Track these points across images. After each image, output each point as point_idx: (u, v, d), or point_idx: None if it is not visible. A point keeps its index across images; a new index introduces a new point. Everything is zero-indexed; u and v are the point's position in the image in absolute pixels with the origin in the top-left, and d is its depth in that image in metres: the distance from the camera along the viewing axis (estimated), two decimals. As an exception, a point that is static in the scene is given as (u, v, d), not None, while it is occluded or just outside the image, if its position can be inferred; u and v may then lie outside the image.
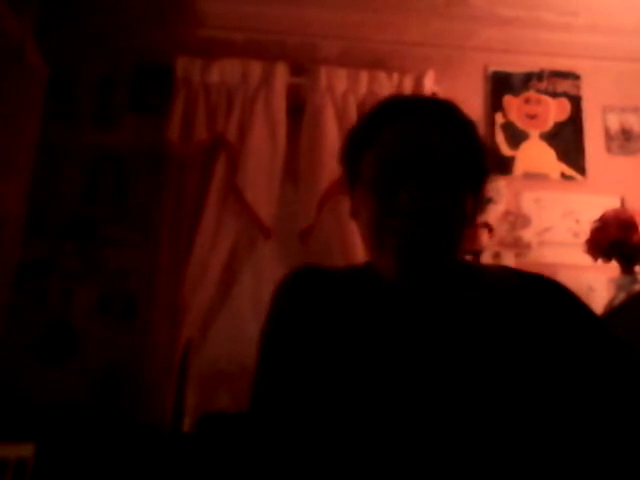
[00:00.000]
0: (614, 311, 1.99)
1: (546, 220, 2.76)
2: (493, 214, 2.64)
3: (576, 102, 2.93)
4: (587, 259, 2.31)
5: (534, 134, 2.88)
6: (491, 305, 0.89)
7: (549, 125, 2.90)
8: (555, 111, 2.92)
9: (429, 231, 0.85)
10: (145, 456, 2.22)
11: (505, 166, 2.80)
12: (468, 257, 2.40)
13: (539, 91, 2.94)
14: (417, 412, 0.81)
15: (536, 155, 2.86)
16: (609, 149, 2.90)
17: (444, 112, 0.92)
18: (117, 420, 2.35)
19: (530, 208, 2.77)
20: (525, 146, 2.86)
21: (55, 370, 2.47)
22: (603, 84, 2.95)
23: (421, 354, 0.85)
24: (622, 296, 2.18)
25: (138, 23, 2.80)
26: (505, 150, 2.83)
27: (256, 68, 2.72)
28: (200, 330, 2.56)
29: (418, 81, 2.72)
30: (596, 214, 2.33)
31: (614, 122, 2.92)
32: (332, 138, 2.62)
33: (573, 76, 2.96)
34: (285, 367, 0.90)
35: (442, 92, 2.63)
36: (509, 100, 2.91)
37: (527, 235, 2.73)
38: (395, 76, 2.74)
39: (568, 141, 2.88)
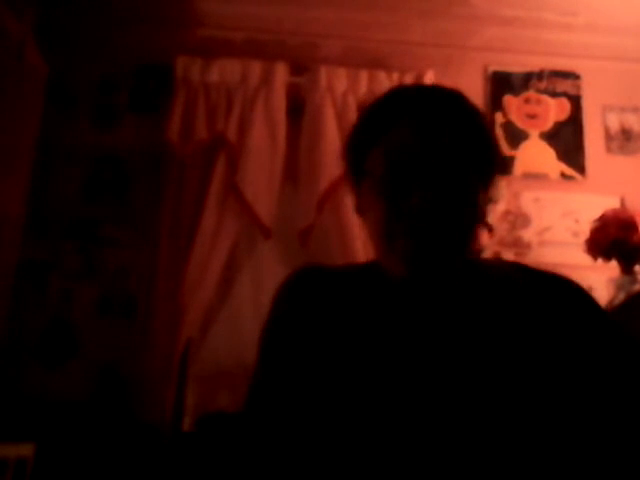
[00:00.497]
0: (614, 311, 1.99)
1: (546, 220, 2.76)
2: (493, 214, 2.64)
3: (576, 102, 2.93)
4: (587, 259, 2.31)
5: (534, 134, 2.88)
6: (502, 303, 0.87)
7: (549, 125, 2.90)
8: (555, 111, 2.92)
9: (441, 233, 0.83)
10: (145, 456, 2.23)
11: (505, 166, 2.80)
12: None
13: (539, 91, 2.93)
14: (425, 408, 0.80)
15: (536, 155, 2.86)
16: (609, 149, 2.89)
17: (452, 105, 0.90)
18: (117, 420, 2.35)
19: (530, 208, 2.77)
20: (525, 146, 2.86)
21: (55, 370, 2.47)
22: (603, 84, 2.95)
23: (431, 351, 0.84)
24: (622, 296, 2.18)
25: (138, 23, 2.80)
26: (505, 150, 2.83)
27: (256, 68, 2.72)
28: (200, 330, 2.56)
29: (418, 81, 2.71)
30: (596, 214, 2.33)
31: (614, 122, 2.92)
32: (332, 138, 2.62)
33: (573, 76, 2.96)
34: (284, 365, 0.89)
35: (442, 92, 2.63)
36: (509, 100, 2.91)
37: (527, 235, 2.73)
38: (395, 76, 2.74)
39: (568, 141, 2.88)
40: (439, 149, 0.84)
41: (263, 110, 2.67)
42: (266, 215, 2.58)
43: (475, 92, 2.88)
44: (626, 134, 2.91)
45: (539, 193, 2.79)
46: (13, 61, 2.38)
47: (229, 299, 2.68)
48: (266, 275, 2.73)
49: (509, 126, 2.87)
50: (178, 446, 2.27)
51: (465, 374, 0.81)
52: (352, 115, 2.66)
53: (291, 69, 2.75)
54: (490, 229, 2.55)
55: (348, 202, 2.59)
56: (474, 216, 0.87)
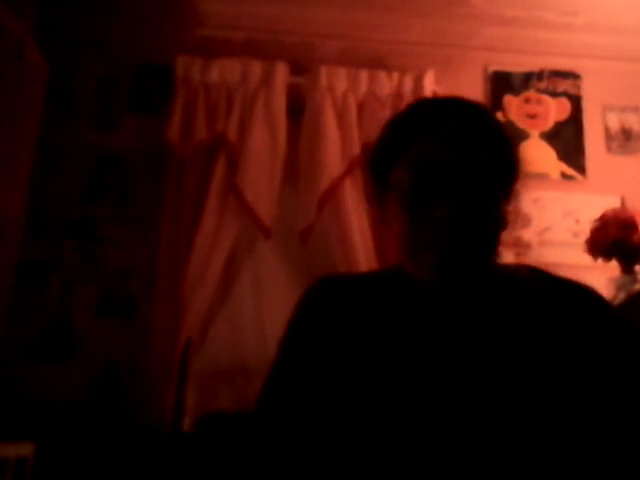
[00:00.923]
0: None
1: (546, 220, 2.76)
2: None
3: (576, 102, 2.93)
4: (587, 259, 2.31)
5: (534, 134, 2.89)
6: (528, 310, 0.90)
7: (549, 125, 2.90)
8: (555, 111, 2.92)
9: (466, 245, 0.86)
10: (145, 456, 2.23)
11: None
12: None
13: (539, 91, 2.94)
14: (453, 412, 0.82)
15: (536, 155, 2.86)
16: (609, 149, 2.90)
17: (473, 117, 0.92)
18: (117, 420, 2.35)
19: (530, 208, 2.77)
20: (525, 146, 2.85)
21: (55, 370, 2.47)
22: (603, 84, 2.95)
23: (456, 355, 0.85)
24: (622, 296, 2.18)
25: (138, 23, 2.80)
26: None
27: (256, 67, 2.72)
28: (200, 330, 2.55)
29: (418, 80, 2.72)
30: (596, 214, 2.33)
31: (614, 122, 2.92)
32: (332, 138, 2.62)
33: (573, 76, 2.96)
34: (305, 364, 0.91)
35: (442, 91, 2.63)
36: (509, 100, 2.91)
37: (527, 235, 2.73)
38: (395, 75, 2.73)
39: (568, 141, 2.88)
40: (463, 161, 0.87)
41: (263, 110, 2.66)
42: (266, 215, 2.57)
43: (475, 92, 2.88)
44: (626, 134, 2.91)
45: (539, 193, 2.79)
46: (13, 60, 2.38)
47: (229, 299, 2.68)
48: (266, 275, 2.73)
49: (509, 126, 2.87)
50: (178, 446, 2.27)
51: (495, 378, 0.83)
52: (352, 115, 2.66)
53: (291, 69, 2.74)
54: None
55: (348, 202, 2.59)
56: (497, 226, 0.91)
